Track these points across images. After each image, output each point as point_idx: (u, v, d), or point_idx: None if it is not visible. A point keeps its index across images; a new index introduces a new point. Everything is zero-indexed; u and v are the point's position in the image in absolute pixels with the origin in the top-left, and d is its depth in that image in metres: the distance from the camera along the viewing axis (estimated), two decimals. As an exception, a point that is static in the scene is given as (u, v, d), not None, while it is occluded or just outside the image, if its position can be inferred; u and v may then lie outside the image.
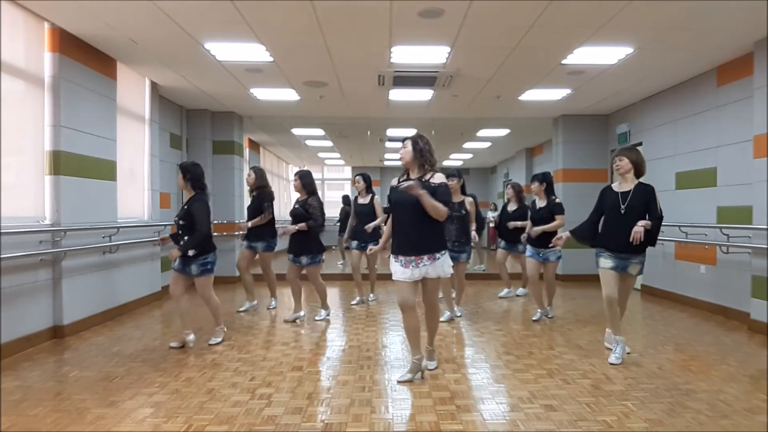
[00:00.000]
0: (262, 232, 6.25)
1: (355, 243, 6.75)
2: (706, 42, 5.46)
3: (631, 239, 4.01)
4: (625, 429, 2.99)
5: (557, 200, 5.77)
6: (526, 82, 7.19)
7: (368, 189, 6.75)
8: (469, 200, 5.94)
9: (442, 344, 4.85)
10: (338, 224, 11.75)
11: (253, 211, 6.27)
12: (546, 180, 5.82)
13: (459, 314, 6.08)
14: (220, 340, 4.89)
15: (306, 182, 5.71)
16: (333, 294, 7.94)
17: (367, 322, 5.84)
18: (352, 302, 6.88)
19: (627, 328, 5.62)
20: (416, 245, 3.65)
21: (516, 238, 6.84)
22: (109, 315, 5.82)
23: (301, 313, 5.87)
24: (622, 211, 4.15)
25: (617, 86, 7.28)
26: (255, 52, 5.84)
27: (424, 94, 7.76)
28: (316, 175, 18.39)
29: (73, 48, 5.24)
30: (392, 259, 3.76)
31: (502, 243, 7.36)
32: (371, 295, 7.16)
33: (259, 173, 6.39)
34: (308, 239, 5.61)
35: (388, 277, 4.65)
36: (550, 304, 6.10)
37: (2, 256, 4.17)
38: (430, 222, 3.61)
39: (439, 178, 3.70)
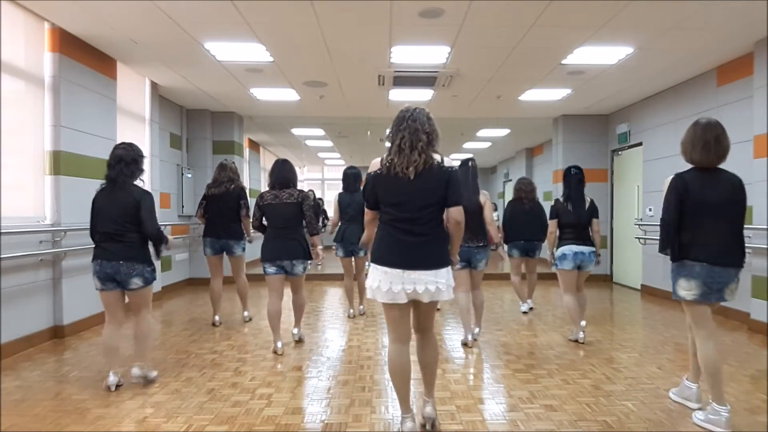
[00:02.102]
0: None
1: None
2: (706, 42, 5.46)
3: None
4: (625, 429, 2.99)
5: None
6: (526, 82, 7.19)
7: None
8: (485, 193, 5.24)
9: (443, 345, 4.86)
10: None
11: None
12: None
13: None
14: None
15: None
16: (336, 294, 7.94)
17: (366, 322, 5.84)
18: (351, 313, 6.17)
19: (627, 328, 5.63)
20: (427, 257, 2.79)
21: (534, 235, 6.03)
22: (109, 315, 5.81)
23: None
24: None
25: (617, 86, 7.28)
26: (255, 52, 5.84)
27: (424, 94, 7.76)
28: (316, 175, 18.69)
29: (73, 48, 5.24)
30: (380, 273, 2.76)
31: (515, 251, 6.19)
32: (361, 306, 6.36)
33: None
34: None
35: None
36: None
37: (2, 256, 4.17)
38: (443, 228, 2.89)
39: (447, 162, 2.99)
